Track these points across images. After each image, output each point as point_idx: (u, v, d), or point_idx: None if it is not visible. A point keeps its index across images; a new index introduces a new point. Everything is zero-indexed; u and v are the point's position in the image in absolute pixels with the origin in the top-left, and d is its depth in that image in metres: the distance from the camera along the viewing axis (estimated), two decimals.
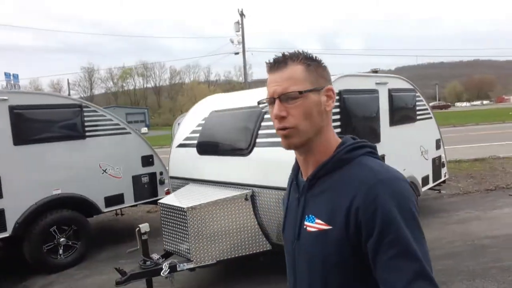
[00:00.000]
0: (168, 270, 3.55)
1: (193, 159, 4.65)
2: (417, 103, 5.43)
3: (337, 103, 3.90)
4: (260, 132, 3.90)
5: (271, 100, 0.99)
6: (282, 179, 3.62)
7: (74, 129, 5.18)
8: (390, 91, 4.74)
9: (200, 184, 4.48)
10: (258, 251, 3.94)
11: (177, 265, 3.62)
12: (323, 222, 0.95)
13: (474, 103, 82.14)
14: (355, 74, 4.29)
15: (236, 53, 31.57)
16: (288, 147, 1.00)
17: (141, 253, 3.64)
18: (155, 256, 3.76)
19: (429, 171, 5.69)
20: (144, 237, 3.59)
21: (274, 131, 3.88)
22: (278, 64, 0.99)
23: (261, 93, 4.79)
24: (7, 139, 4.59)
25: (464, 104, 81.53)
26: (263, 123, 3.92)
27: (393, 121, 4.79)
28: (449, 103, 69.96)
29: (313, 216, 0.99)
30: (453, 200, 7.37)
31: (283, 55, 1.00)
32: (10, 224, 4.55)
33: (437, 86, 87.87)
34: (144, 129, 45.09)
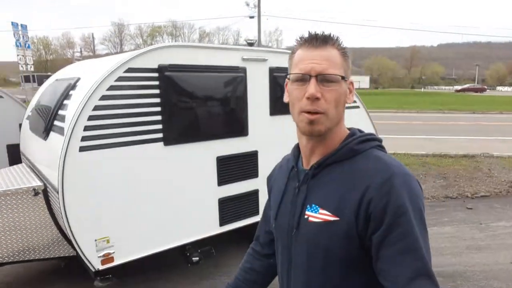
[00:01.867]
0: None
1: (28, 136, 3.88)
2: None
3: (155, 82, 2.94)
4: (60, 112, 3.03)
5: (305, 78, 0.92)
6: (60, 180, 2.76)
7: None
8: (272, 70, 3.68)
9: (28, 166, 3.74)
10: (56, 256, 3.21)
11: None
12: (329, 213, 0.93)
13: None
14: (194, 45, 3.23)
15: (251, 17, 30.02)
16: (312, 133, 0.96)
17: None
18: None
19: None
20: None
21: (67, 113, 3.00)
22: (317, 41, 0.93)
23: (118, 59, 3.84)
24: None
25: (506, 88, 75.31)
26: (66, 101, 3.04)
27: (276, 110, 3.76)
28: (485, 87, 64.43)
29: (317, 206, 0.96)
30: None
31: (323, 34, 0.95)
32: None
33: (477, 68, 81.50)
34: None
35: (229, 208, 3.51)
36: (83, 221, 2.71)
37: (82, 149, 2.63)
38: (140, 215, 2.98)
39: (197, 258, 3.35)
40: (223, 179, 3.43)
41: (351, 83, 1.00)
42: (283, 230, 1.06)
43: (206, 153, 3.30)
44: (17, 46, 23.47)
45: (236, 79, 3.40)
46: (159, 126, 2.98)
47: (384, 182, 0.88)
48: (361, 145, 0.97)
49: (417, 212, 0.88)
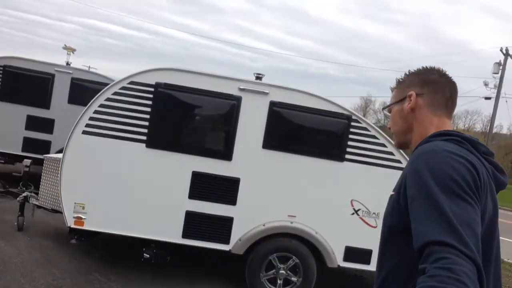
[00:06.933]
0: (22, 198, 4.58)
1: None
2: (355, 137, 3.76)
3: (150, 95, 3.63)
4: None
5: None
6: None
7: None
8: (273, 104, 3.67)
9: None
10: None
11: (29, 198, 4.58)
12: (393, 191, 1.15)
13: None
14: (191, 70, 3.65)
15: (487, 98, 26.01)
16: (395, 146, 1.61)
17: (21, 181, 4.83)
18: (29, 187, 4.82)
19: (372, 244, 3.75)
20: (25, 169, 4.75)
21: None
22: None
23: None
24: None
25: None
26: None
27: (271, 144, 3.67)
28: None
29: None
30: None
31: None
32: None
33: None
34: None
35: (195, 224, 3.65)
36: (70, 184, 3.64)
37: (84, 132, 3.62)
38: (113, 198, 3.65)
39: (148, 256, 3.64)
40: (194, 194, 3.65)
41: (410, 95, 1.20)
42: None
43: (182, 164, 3.66)
44: None
45: (228, 105, 3.67)
46: (145, 130, 3.64)
47: (416, 157, 1.04)
48: (433, 137, 1.12)
49: (441, 180, 0.93)
